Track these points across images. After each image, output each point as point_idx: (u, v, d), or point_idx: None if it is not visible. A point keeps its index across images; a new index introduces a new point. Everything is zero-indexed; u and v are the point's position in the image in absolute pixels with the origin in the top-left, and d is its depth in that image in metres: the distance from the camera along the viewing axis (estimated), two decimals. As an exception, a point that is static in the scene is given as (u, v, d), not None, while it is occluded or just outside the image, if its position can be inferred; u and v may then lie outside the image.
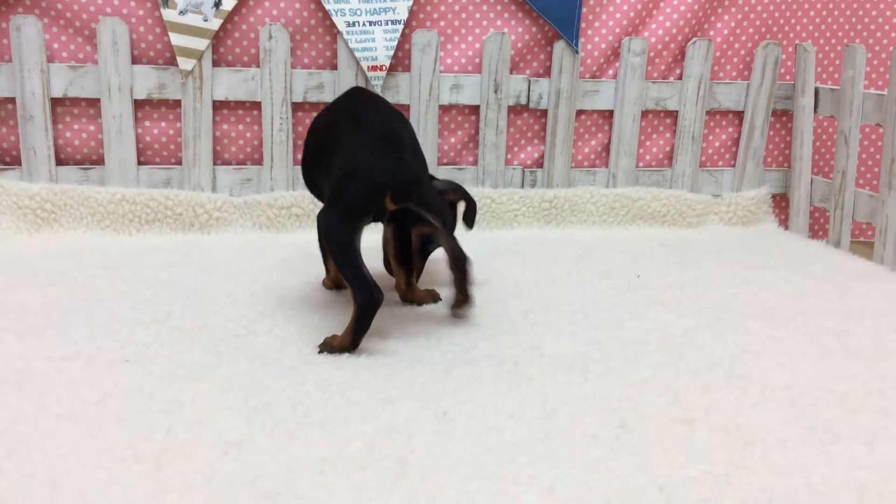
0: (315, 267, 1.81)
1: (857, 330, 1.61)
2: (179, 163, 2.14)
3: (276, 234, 2.17)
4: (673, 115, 2.39)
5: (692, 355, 1.46)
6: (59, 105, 2.07)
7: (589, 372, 1.37)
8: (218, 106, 2.13)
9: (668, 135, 2.41)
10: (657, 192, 2.38)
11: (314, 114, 2.18)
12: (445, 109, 2.26)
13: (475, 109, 2.26)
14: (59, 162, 2.09)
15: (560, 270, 1.94)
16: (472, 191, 2.22)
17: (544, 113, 2.31)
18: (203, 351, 1.40)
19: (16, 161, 2.07)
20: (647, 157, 2.42)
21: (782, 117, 2.46)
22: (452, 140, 2.28)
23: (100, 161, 2.10)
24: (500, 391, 1.29)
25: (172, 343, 1.43)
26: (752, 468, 1.08)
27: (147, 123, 2.12)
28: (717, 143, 2.45)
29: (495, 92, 2.23)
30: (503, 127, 2.27)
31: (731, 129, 2.44)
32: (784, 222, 2.48)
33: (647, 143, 2.41)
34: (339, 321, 1.53)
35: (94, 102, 2.07)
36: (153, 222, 2.09)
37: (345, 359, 1.38)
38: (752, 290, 1.83)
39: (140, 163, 2.13)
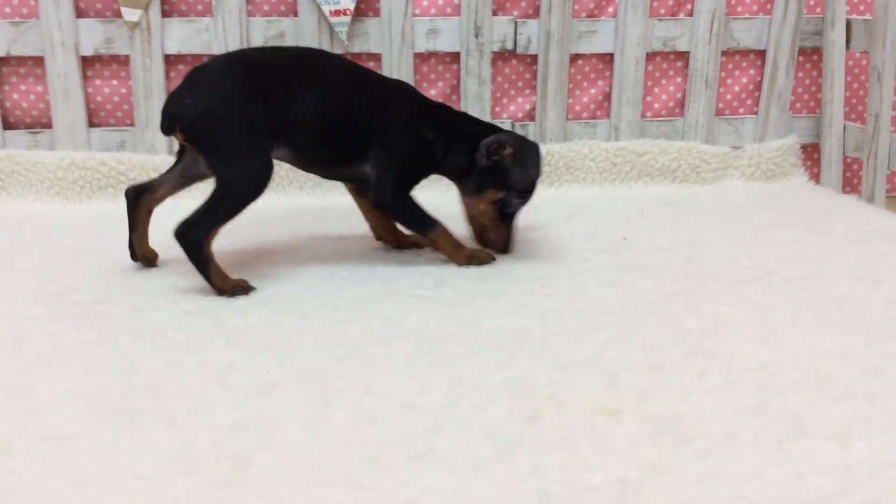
0: (273, 236, 1.66)
1: (867, 297, 1.36)
2: (134, 124, 1.99)
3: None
4: (683, 56, 2.12)
5: (654, 329, 1.23)
6: (3, 65, 1.94)
7: (521, 350, 1.16)
8: (172, 61, 1.97)
9: (678, 80, 2.14)
10: (666, 144, 2.12)
11: (277, 67, 2.01)
12: (422, 58, 2.05)
13: (456, 57, 2.05)
14: (8, 126, 1.97)
15: (539, 233, 1.73)
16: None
17: (535, 59, 2.07)
18: (90, 328, 1.24)
19: (-38, 126, 1.96)
20: (655, 106, 2.16)
21: (812, 56, 2.16)
22: (433, 92, 2.07)
23: (49, 124, 1.97)
24: (408, 374, 1.10)
25: (66, 319, 1.28)
26: (679, 473, 0.87)
27: (98, 82, 1.97)
28: (735, 88, 2.17)
29: (476, 36, 2.01)
30: (487, 76, 2.04)
31: (752, 72, 2.16)
32: (816, 176, 2.19)
33: (655, 89, 2.15)
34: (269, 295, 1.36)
35: (40, 61, 1.94)
36: (105, 188, 1.95)
37: (244, 335, 1.21)
38: (754, 253, 1.58)
39: (93, 125, 1.99)
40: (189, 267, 1.37)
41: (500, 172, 1.50)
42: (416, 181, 1.52)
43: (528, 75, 2.09)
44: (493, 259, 1.53)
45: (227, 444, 0.92)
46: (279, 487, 0.84)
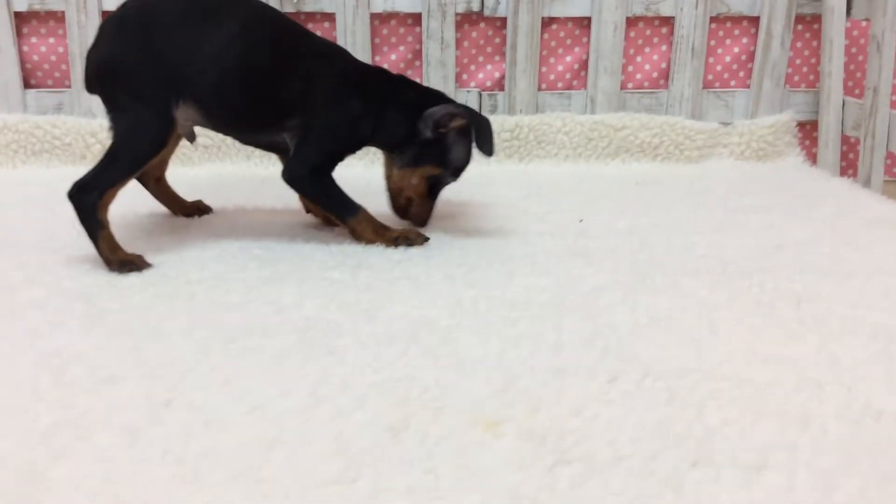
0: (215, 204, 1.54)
1: (831, 294, 1.19)
2: (72, 86, 1.87)
3: (187, 168, 1.88)
4: (669, 22, 1.94)
5: (575, 325, 1.08)
6: (-67, 20, 1.83)
7: (415, 345, 1.02)
8: (111, 19, 1.84)
9: (663, 48, 1.97)
10: (647, 119, 1.95)
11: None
12: (381, 20, 1.89)
13: (418, 19, 1.89)
14: (-58, 86, 1.86)
15: (488, 213, 1.58)
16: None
17: (504, 22, 1.91)
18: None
19: None
20: (637, 77, 1.98)
21: (812, 24, 1.96)
22: (393, 57, 1.92)
23: (-17, 84, 1.86)
24: (274, 371, 0.96)
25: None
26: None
27: (33, 40, 1.85)
28: (726, 58, 1.98)
29: (438, -4, 1.85)
30: (451, 40, 1.89)
31: (744, 40, 1.97)
32: (814, 156, 2.01)
33: (637, 58, 1.97)
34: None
35: (-27, 17, 1.82)
36: (40, 153, 1.84)
37: (111, 319, 1.09)
38: (718, 240, 1.42)
39: (30, 86, 1.87)
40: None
41: (443, 147, 1.36)
42: (339, 159, 1.37)
43: (497, 40, 1.93)
44: (426, 239, 1.39)
45: (24, 453, 0.80)
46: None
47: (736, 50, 1.98)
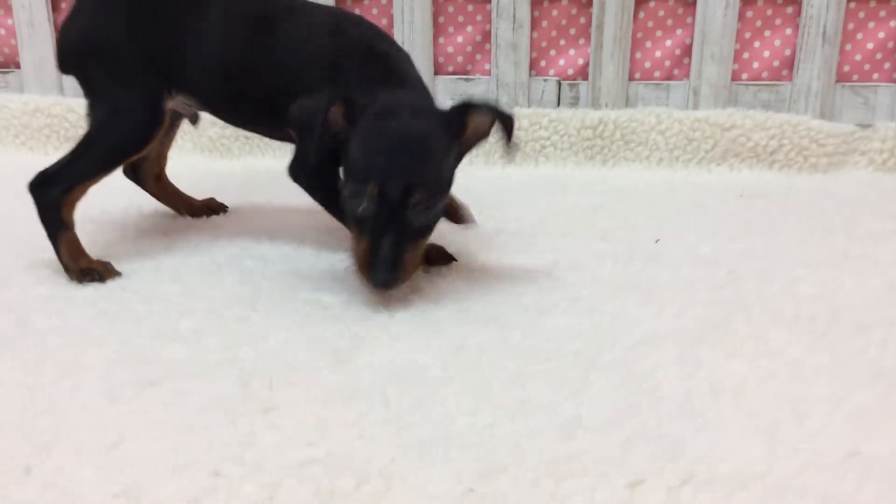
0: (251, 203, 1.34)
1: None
2: (110, 66, 1.72)
3: (219, 159, 1.70)
4: (795, 1, 1.59)
5: (604, 392, 0.80)
6: (-29, -6, 1.72)
7: (370, 412, 0.77)
8: (150, -7, 1.68)
9: (787, 31, 1.61)
10: (764, 117, 1.61)
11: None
12: (447, -5, 1.64)
13: (488, -6, 1.63)
14: (-20, 64, 1.76)
15: (540, 227, 1.30)
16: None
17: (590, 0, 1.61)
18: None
19: (-66, 64, 1.76)
20: (754, 66, 1.64)
21: (985, 3, 1.56)
22: (459, 39, 1.66)
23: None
24: (163, 435, 0.73)
25: None
26: None
27: (70, 16, 1.71)
28: (868, 45, 1.61)
29: (512, -31, 1.58)
30: (524, 18, 1.61)
31: (892, 23, 1.59)
32: (979, 170, 1.60)
33: (755, 44, 1.63)
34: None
35: (11, -10, 1.70)
36: (73, 139, 1.68)
37: (15, 343, 0.89)
38: (831, 277, 1.09)
39: (66, 66, 1.73)
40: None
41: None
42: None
43: (582, 20, 1.64)
44: (452, 260, 1.12)
45: None
46: None
47: (881, 35, 1.60)
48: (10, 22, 1.71)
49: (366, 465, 0.68)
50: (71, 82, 1.71)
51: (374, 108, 0.95)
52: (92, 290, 1.03)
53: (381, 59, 1.05)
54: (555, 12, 1.64)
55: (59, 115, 1.70)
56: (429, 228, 0.97)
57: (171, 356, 0.87)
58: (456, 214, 1.15)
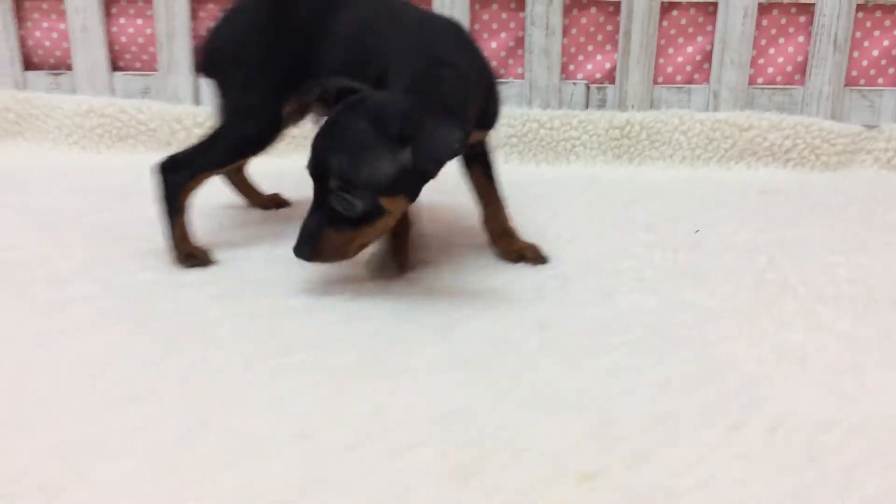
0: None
1: None
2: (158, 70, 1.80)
3: (267, 158, 1.78)
4: (808, 9, 1.71)
5: (684, 359, 0.90)
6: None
7: (494, 372, 0.87)
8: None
9: (800, 38, 1.74)
10: (779, 118, 1.73)
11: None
12: (482, 3, 1.74)
13: (522, 3, 1.73)
14: (33, 66, 1.82)
15: (588, 220, 1.41)
16: (517, 112, 1.73)
17: (618, 7, 1.72)
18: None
19: (-13, 65, 1.83)
20: (769, 71, 1.76)
21: (980, 14, 1.70)
22: (493, 45, 1.76)
23: (73, 67, 1.81)
24: (310, 397, 0.82)
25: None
26: None
27: (122, 21, 1.79)
28: (874, 52, 1.74)
29: (547, -22, 1.69)
30: (556, 26, 1.71)
31: (896, 32, 1.73)
32: (975, 167, 1.74)
33: (770, 50, 1.75)
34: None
35: (63, -4, 1.78)
36: (125, 139, 1.78)
37: (145, 325, 0.98)
38: (861, 262, 1.21)
39: (118, 68, 1.81)
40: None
41: None
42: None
43: (609, 27, 1.75)
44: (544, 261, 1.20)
45: (40, 472, 0.69)
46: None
47: (886, 43, 1.73)
48: (62, 26, 1.79)
49: (495, 417, 0.78)
50: (121, 84, 1.80)
51: (344, 102, 1.00)
52: (195, 276, 1.12)
53: (428, 73, 1.05)
54: (584, 20, 1.75)
55: (111, 115, 1.77)
56: (359, 220, 0.98)
57: (291, 330, 0.96)
58: (527, 256, 1.20)
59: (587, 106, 1.78)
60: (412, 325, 0.98)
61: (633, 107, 1.76)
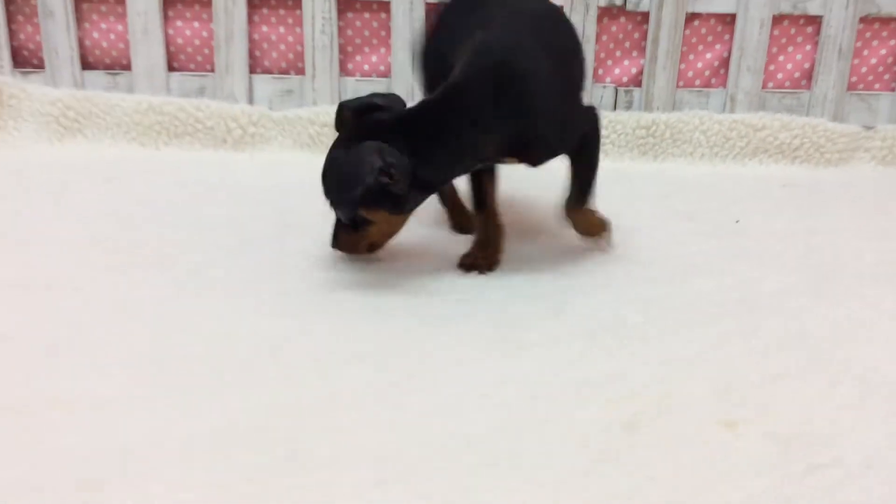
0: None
1: None
2: (214, 70, 1.89)
3: (320, 154, 1.88)
4: (815, 21, 1.89)
5: (772, 326, 1.06)
6: (84, 2, 1.86)
7: (616, 342, 1.01)
8: (255, 4, 1.86)
9: (807, 47, 1.92)
10: (788, 119, 1.91)
11: (366, 15, 1.88)
12: (522, 12, 1.88)
13: (559, 12, 1.87)
14: (88, 66, 1.90)
15: (639, 210, 1.55)
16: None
17: (645, 16, 1.88)
18: (165, 283, 1.15)
19: (42, 64, 1.89)
20: (779, 76, 1.94)
21: (964, 26, 1.90)
22: (530, 50, 1.90)
23: (129, 66, 1.89)
24: (485, 360, 0.96)
25: (136, 270, 1.19)
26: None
27: (179, 24, 1.88)
28: (872, 61, 1.93)
29: (583, -11, 1.83)
30: (591, 34, 1.86)
31: (892, 42, 1.91)
32: (958, 164, 1.94)
33: (780, 57, 1.93)
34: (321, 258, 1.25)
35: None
36: (182, 136, 1.87)
37: (315, 305, 1.10)
38: (886, 247, 1.38)
39: (173, 69, 1.90)
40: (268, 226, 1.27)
41: None
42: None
43: (636, 35, 1.90)
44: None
45: (277, 425, 0.81)
46: (337, 480, 0.72)
47: (883, 52, 1.92)
48: (119, 28, 1.87)
49: (637, 378, 0.92)
50: (178, 83, 1.89)
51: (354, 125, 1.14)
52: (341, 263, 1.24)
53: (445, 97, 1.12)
54: (613, 28, 1.90)
55: (170, 113, 1.85)
56: (357, 224, 1.13)
57: (428, 305, 1.09)
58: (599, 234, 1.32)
59: (615, 107, 1.93)
60: (527, 307, 1.11)
61: (658, 108, 1.92)
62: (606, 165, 1.87)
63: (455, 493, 0.71)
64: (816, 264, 1.29)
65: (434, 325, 1.04)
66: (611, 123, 1.89)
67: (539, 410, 0.85)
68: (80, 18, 1.86)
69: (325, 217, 1.18)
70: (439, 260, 1.25)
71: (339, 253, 1.21)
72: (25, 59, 1.90)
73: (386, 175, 1.05)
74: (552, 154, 1.19)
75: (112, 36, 1.88)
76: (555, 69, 1.16)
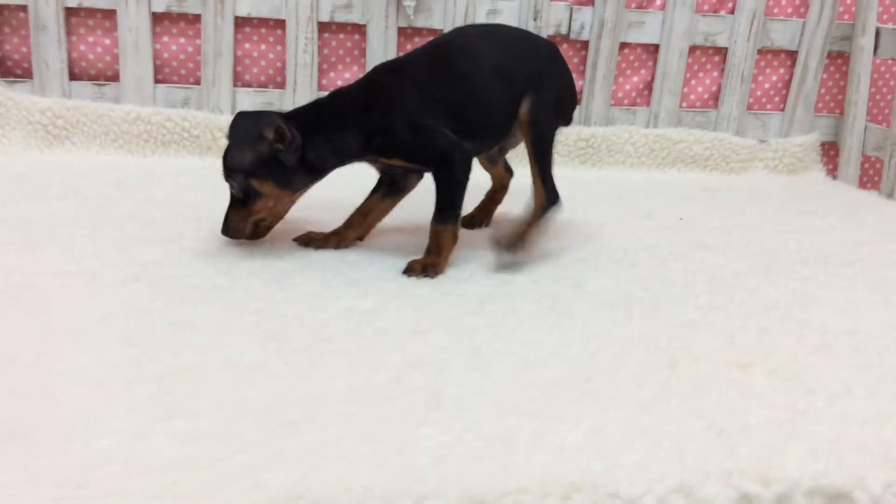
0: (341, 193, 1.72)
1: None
2: (198, 82, 2.03)
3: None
4: (722, 52, 2.24)
5: (744, 298, 1.35)
6: (73, 15, 1.95)
7: (633, 311, 1.26)
8: (240, 23, 2.01)
9: (714, 74, 2.27)
10: (700, 134, 2.25)
11: (341, 36, 2.07)
12: (480, 37, 2.12)
13: (512, 38, 2.13)
14: (73, 77, 1.98)
15: (598, 211, 1.83)
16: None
17: (585, 45, 2.17)
18: (215, 273, 1.30)
19: (27, 74, 1.96)
20: (692, 97, 2.28)
21: (836, 59, 2.30)
22: (486, 70, 2.14)
23: (115, 77, 1.99)
24: (539, 327, 1.19)
25: (183, 264, 1.33)
26: (817, 417, 0.98)
27: (165, 39, 2.00)
28: (766, 85, 2.30)
29: (535, 20, 2.09)
30: (541, 57, 2.13)
31: (782, 71, 2.29)
32: (832, 172, 2.35)
33: (693, 81, 2.27)
34: (364, 251, 1.44)
35: (109, 14, 1.95)
36: (169, 144, 1.99)
37: (371, 287, 1.29)
38: (802, 237, 1.71)
39: (157, 80, 2.01)
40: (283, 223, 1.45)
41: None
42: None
43: (576, 60, 2.19)
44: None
45: (405, 378, 1.00)
46: (474, 413, 0.93)
47: (774, 78, 2.30)
48: (107, 41, 1.97)
49: (661, 334, 1.18)
50: (163, 94, 2.01)
51: None
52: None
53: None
54: (557, 53, 2.17)
55: (157, 122, 1.97)
56: (245, 200, 1.33)
57: (494, 307, 1.30)
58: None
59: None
60: (557, 286, 1.35)
61: (595, 123, 2.21)
62: (558, 172, 2.17)
63: (556, 413, 0.93)
64: (756, 252, 1.60)
65: (485, 303, 1.26)
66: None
67: (602, 360, 1.09)
68: (67, 32, 1.95)
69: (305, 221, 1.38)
70: (471, 254, 1.47)
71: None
72: (9, 70, 1.96)
73: (279, 139, 1.29)
74: (398, 154, 1.38)
75: (99, 49, 1.97)
76: (428, 96, 1.37)
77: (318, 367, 1.02)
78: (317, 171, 1.37)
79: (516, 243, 1.42)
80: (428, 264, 1.36)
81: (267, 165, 1.31)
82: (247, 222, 1.36)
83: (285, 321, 1.14)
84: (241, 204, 1.35)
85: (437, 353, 1.08)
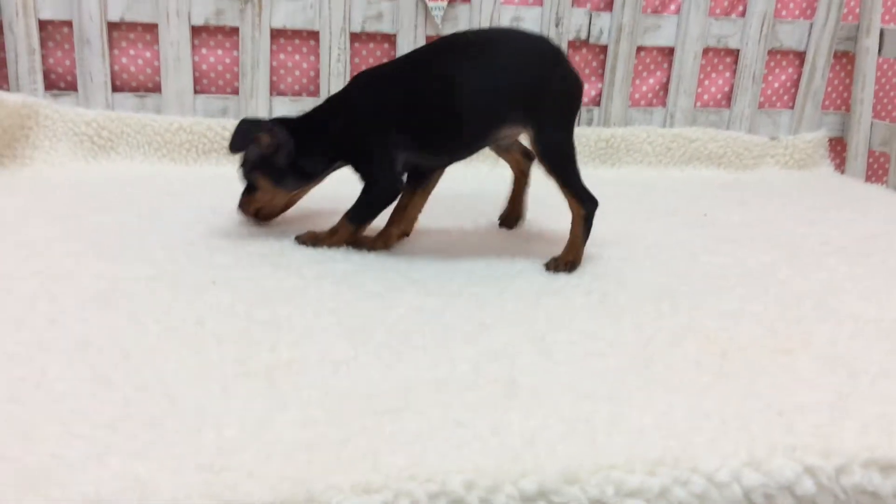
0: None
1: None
2: (235, 92, 2.10)
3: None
4: (734, 53, 2.34)
5: (776, 289, 1.44)
6: (115, 30, 2.02)
7: (678, 303, 1.35)
8: (275, 35, 2.09)
9: (727, 74, 2.36)
10: (714, 132, 2.34)
11: (371, 45, 2.15)
12: (504, 43, 2.21)
13: (534, 44, 2.22)
14: (115, 89, 2.05)
15: (624, 209, 1.92)
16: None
17: (604, 49, 2.26)
18: (285, 275, 1.38)
19: (71, 87, 2.03)
20: (705, 97, 2.37)
21: (842, 59, 2.41)
22: (510, 75, 2.23)
23: (155, 89, 2.06)
24: (593, 319, 1.28)
25: (252, 267, 1.41)
26: (863, 396, 1.07)
27: (203, 51, 2.07)
28: (776, 84, 2.40)
29: (556, 26, 2.18)
30: (562, 62, 2.22)
31: (790, 70, 2.39)
32: (839, 167, 2.45)
33: (706, 82, 2.36)
34: (409, 249, 1.52)
35: (150, 28, 2.03)
36: (210, 153, 2.06)
37: (432, 286, 1.37)
38: (821, 230, 1.81)
39: (196, 91, 2.09)
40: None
41: None
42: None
43: (595, 63, 2.28)
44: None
45: (482, 369, 1.09)
46: (551, 399, 1.01)
47: (783, 78, 2.39)
48: (147, 54, 2.04)
49: (706, 323, 1.27)
50: (202, 104, 2.08)
51: None
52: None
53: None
54: (577, 58, 2.27)
55: (199, 132, 2.04)
56: (250, 185, 1.53)
57: (549, 302, 1.39)
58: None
59: (579, 123, 2.30)
60: (602, 280, 1.44)
61: (614, 124, 2.30)
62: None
63: (626, 398, 1.02)
64: (781, 245, 1.69)
65: (540, 298, 1.35)
66: (577, 137, 2.25)
67: (657, 349, 1.18)
68: (110, 46, 2.02)
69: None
70: (519, 251, 1.56)
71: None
72: (53, 83, 2.03)
73: (272, 142, 1.45)
74: (349, 161, 1.50)
75: (140, 61, 2.05)
76: (385, 108, 1.43)
77: (403, 360, 1.10)
78: (308, 174, 1.51)
79: (573, 262, 1.49)
80: (317, 237, 1.51)
81: (263, 165, 1.49)
82: (251, 206, 1.56)
83: (362, 319, 1.22)
84: (248, 191, 1.54)
85: (506, 346, 1.16)
